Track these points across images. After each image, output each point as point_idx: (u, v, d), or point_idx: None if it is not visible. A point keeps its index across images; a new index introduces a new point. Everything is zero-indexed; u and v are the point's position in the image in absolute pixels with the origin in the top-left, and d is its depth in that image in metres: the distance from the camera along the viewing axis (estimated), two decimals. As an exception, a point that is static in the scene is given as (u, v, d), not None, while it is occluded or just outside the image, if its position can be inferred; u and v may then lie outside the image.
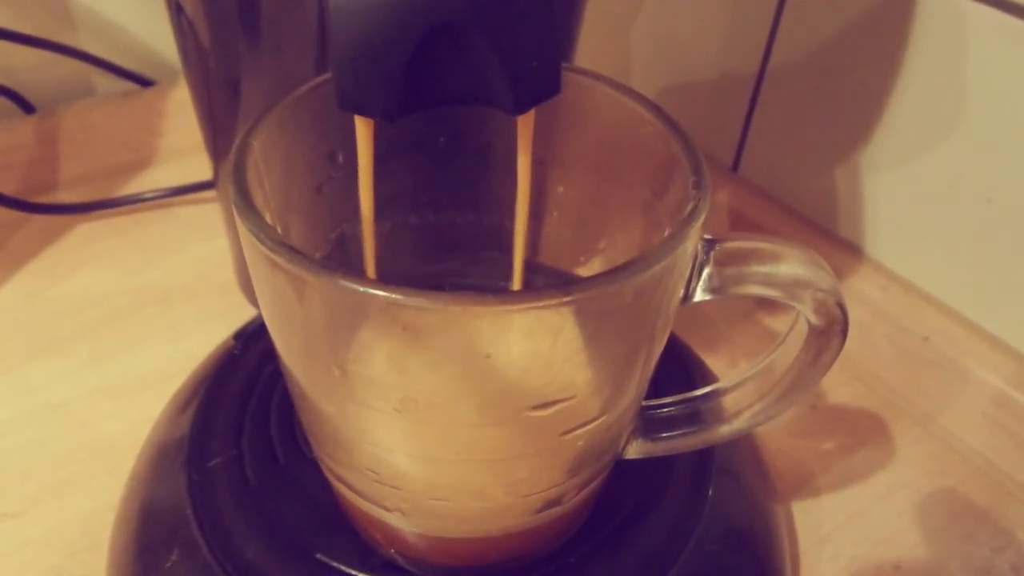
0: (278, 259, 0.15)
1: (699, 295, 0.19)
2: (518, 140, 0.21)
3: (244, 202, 0.16)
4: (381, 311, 0.14)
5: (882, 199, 0.39)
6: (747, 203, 0.44)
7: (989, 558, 0.32)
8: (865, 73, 0.37)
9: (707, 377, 0.33)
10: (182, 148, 0.49)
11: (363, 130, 0.20)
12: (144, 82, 0.50)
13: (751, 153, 0.45)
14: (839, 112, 0.39)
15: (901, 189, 0.38)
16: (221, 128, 0.35)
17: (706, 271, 0.19)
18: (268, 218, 0.19)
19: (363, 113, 0.19)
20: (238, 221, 0.16)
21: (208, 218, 0.45)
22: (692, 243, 0.17)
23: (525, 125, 0.21)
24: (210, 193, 0.46)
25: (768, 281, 0.19)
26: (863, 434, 0.37)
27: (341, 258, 0.24)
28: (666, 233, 0.20)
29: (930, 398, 0.37)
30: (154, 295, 0.41)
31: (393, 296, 0.14)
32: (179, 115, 0.50)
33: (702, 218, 0.17)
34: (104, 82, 0.49)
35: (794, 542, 0.32)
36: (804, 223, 0.42)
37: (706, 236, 0.19)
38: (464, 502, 0.19)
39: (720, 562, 0.27)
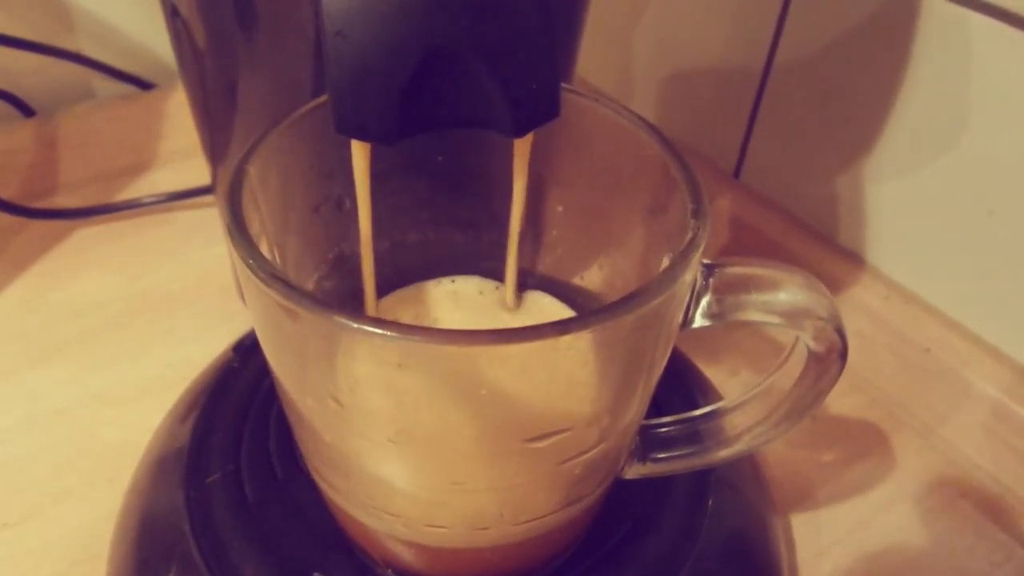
0: (272, 293, 0.15)
1: (698, 321, 0.19)
2: (515, 161, 0.21)
3: (239, 231, 0.16)
4: (376, 347, 0.14)
5: (884, 208, 0.38)
6: (748, 210, 0.44)
7: (988, 572, 0.32)
8: (868, 82, 0.37)
9: (706, 389, 0.33)
10: (182, 151, 0.49)
11: (360, 153, 0.20)
12: (144, 85, 0.50)
13: (753, 160, 0.44)
14: (842, 121, 0.39)
15: (903, 199, 0.37)
16: (219, 131, 0.34)
17: (704, 299, 0.18)
18: (264, 243, 0.19)
19: (361, 137, 0.19)
20: (233, 251, 0.16)
21: (208, 223, 0.45)
22: (691, 274, 0.17)
23: (522, 147, 0.21)
24: (210, 198, 0.46)
25: (767, 309, 0.19)
26: (863, 445, 0.36)
27: (339, 277, 0.23)
28: (665, 258, 0.20)
29: (931, 409, 0.37)
30: (154, 300, 0.41)
31: (388, 334, 0.14)
32: (179, 118, 0.50)
33: (701, 248, 0.17)
34: (104, 85, 0.49)
35: (792, 555, 0.32)
36: (805, 231, 0.42)
37: (705, 261, 0.19)
38: (461, 528, 0.19)
39: (718, 570, 0.27)
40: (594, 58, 0.52)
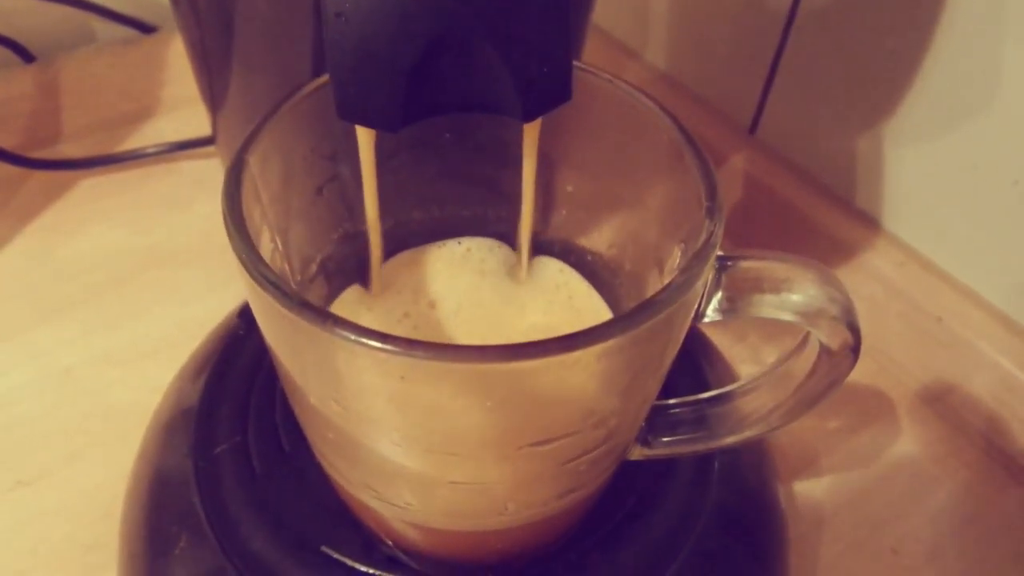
0: (272, 300, 0.14)
1: (710, 316, 0.19)
2: (524, 144, 0.20)
3: (238, 231, 0.16)
4: (378, 361, 0.14)
5: (904, 173, 0.37)
6: (763, 169, 0.42)
7: (992, 543, 0.32)
8: (895, 41, 0.35)
9: (713, 357, 0.33)
10: (185, 97, 0.47)
11: (365, 138, 0.19)
12: (145, 28, 0.49)
13: (771, 116, 0.43)
14: (865, 79, 0.37)
15: (925, 164, 0.36)
16: (217, 75, 0.34)
17: (716, 296, 0.18)
18: (266, 233, 0.18)
19: (364, 123, 0.18)
20: (232, 252, 0.16)
21: (213, 174, 0.44)
22: (705, 277, 0.17)
23: (532, 130, 0.20)
24: (213, 148, 0.45)
25: (780, 307, 0.18)
26: (869, 413, 0.36)
27: (345, 255, 0.23)
28: (677, 248, 0.19)
29: (940, 379, 0.36)
30: (160, 257, 0.40)
31: (390, 348, 0.14)
32: (182, 62, 0.48)
33: (715, 249, 0.17)
34: (104, 28, 0.48)
35: (795, 524, 0.32)
36: (822, 193, 0.41)
37: (717, 253, 0.18)
38: (463, 517, 0.19)
39: (722, 546, 0.27)
40: (608, 10, 0.49)
